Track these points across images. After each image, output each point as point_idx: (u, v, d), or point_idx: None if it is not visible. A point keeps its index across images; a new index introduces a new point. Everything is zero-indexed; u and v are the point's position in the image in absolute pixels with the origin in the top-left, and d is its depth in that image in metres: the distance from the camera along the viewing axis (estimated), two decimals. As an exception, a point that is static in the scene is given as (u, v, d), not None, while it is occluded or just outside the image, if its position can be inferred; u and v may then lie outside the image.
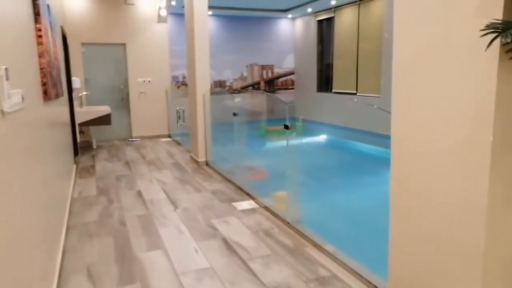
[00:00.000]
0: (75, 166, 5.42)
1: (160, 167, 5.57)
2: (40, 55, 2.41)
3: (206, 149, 5.63)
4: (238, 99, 4.35)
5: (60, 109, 3.92)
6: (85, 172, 5.32)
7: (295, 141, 9.29)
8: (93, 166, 5.67)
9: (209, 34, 5.61)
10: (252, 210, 3.71)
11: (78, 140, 6.52)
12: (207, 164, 5.61)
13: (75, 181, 4.81)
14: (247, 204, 3.88)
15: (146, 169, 5.45)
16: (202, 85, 5.45)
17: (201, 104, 5.49)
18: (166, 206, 3.85)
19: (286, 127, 3.43)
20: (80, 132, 7.10)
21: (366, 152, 7.67)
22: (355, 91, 8.46)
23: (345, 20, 8.64)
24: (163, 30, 8.02)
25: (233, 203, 3.91)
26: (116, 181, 4.81)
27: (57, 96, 3.24)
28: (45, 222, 2.30)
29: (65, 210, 3.53)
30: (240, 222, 3.42)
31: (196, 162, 5.67)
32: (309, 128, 9.72)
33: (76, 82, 6.99)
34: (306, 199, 4.10)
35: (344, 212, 4.06)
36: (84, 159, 6.16)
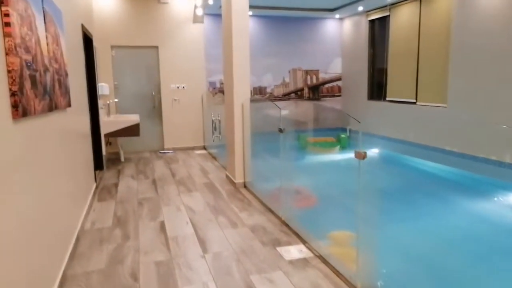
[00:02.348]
0: (95, 184, 4.73)
1: (191, 188, 4.77)
2: (8, 52, 1.64)
3: (244, 168, 4.78)
4: (285, 111, 3.48)
5: (68, 121, 3.20)
6: (105, 192, 4.62)
7: (341, 155, 8.08)
8: (116, 185, 4.97)
9: (249, 35, 4.79)
10: (304, 262, 2.80)
11: (104, 153, 5.88)
12: (245, 186, 4.76)
13: (90, 205, 4.09)
14: (296, 251, 2.97)
15: (175, 190, 4.67)
16: (241, 93, 4.62)
17: (239, 115, 4.66)
18: (193, 248, 3.02)
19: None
20: (107, 143, 6.48)
21: (428, 171, 6.54)
22: (414, 100, 7.34)
23: (403, 18, 7.55)
24: (199, 32, 7.30)
25: (279, 248, 3.01)
26: (138, 207, 4.05)
27: (55, 107, 2.49)
28: (30, 273, 1.52)
29: (66, 251, 2.78)
30: (289, 281, 2.51)
31: (233, 183, 4.83)
32: (358, 140, 8.69)
33: (105, 88, 6.38)
34: (370, 240, 3.15)
35: (428, 265, 3.05)
36: (109, 175, 5.49)
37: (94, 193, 4.52)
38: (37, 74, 2.04)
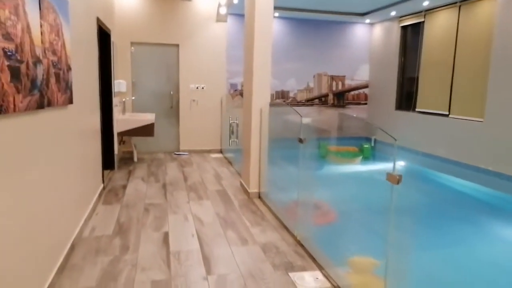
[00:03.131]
0: (102, 186, 4.50)
1: (202, 195, 4.48)
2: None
3: (259, 177, 4.45)
4: (307, 119, 3.14)
5: (69, 119, 2.95)
6: (112, 195, 4.38)
7: (364, 166, 7.55)
8: (124, 187, 4.73)
9: (273, 37, 4.47)
10: (320, 293, 2.45)
11: (116, 152, 5.67)
12: (259, 197, 4.43)
13: (94, 208, 3.85)
14: (311, 278, 2.62)
15: (185, 197, 4.39)
16: (260, 97, 4.31)
17: (257, 120, 4.34)
18: (196, 268, 2.71)
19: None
20: (120, 142, 6.28)
21: (460, 189, 6.04)
22: (446, 112, 6.85)
23: (439, 25, 7.08)
24: (221, 31, 7.03)
25: (291, 274, 2.66)
26: (143, 214, 3.78)
27: (49, 104, 2.23)
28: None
29: (56, 262, 2.51)
30: (301, 317, 2.17)
31: (246, 192, 4.51)
32: (383, 150, 8.23)
33: (122, 85, 6.19)
34: (399, 269, 2.77)
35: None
36: (119, 176, 5.26)
37: (100, 194, 4.28)
38: (22, 66, 1.78)
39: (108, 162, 5.49)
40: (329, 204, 4.32)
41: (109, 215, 3.71)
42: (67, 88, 2.70)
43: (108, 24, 5.14)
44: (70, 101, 2.80)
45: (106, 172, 5.32)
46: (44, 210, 2.28)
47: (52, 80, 2.29)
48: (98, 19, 4.30)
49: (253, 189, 4.44)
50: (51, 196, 2.44)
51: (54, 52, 2.33)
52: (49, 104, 2.23)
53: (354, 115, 9.23)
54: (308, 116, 3.17)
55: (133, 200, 4.19)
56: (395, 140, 2.01)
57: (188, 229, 3.41)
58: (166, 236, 3.25)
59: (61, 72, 2.51)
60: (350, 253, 2.98)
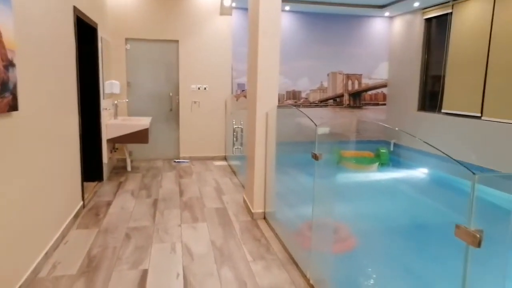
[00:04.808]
0: (82, 203, 3.86)
1: (197, 215, 3.81)
2: None
3: (265, 193, 3.76)
4: (324, 129, 2.43)
5: (12, 130, 2.31)
6: (91, 215, 3.73)
7: (382, 174, 6.65)
8: (109, 204, 4.09)
9: (282, 33, 3.79)
10: None
11: (105, 161, 5.05)
12: (264, 217, 3.74)
13: (64, 235, 3.21)
14: None
15: (177, 218, 3.72)
16: (266, 100, 3.62)
17: (262, 127, 3.65)
18: (175, 329, 2.03)
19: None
20: (112, 149, 5.66)
21: (496, 203, 5.24)
22: (479, 114, 6.05)
23: (469, 17, 6.28)
24: (226, 26, 6.36)
25: None
26: (123, 242, 3.12)
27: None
28: None
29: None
30: None
31: (250, 212, 3.83)
32: (403, 155, 7.46)
33: (115, 86, 5.56)
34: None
35: None
36: (106, 190, 4.63)
37: (77, 215, 3.65)
38: None
39: (94, 173, 4.87)
40: (346, 226, 3.60)
41: (80, 244, 3.07)
42: (5, 90, 2.05)
43: (94, 16, 4.51)
44: (13, 107, 2.15)
45: (91, 184, 4.70)
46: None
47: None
48: (75, 9, 3.66)
49: (257, 208, 3.76)
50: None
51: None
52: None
53: (372, 121, 8.46)
54: (324, 122, 2.46)
55: (114, 223, 3.54)
56: (446, 154, 1.30)
57: (173, 266, 2.74)
58: (144, 276, 2.59)
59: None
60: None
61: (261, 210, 3.75)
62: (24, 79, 2.38)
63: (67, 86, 3.39)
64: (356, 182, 6.19)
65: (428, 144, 2.13)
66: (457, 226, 1.22)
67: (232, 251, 3.00)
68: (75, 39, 3.67)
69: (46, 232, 2.83)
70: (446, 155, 1.73)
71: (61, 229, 3.16)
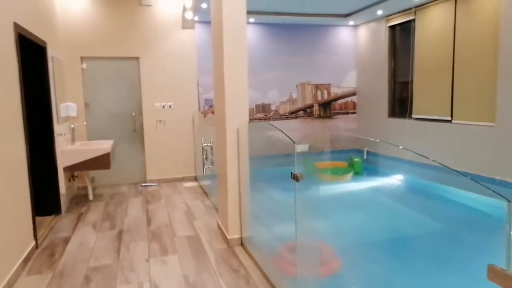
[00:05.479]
0: (34, 243, 3.41)
1: (167, 247, 3.44)
2: None
3: (240, 217, 3.46)
4: (303, 146, 2.17)
5: None
6: (45, 257, 3.29)
7: (357, 183, 6.52)
8: (66, 241, 3.65)
9: (248, 45, 3.56)
10: None
11: (63, 192, 4.59)
12: (242, 244, 3.43)
13: (9, 286, 2.76)
14: None
15: (144, 251, 3.34)
16: (236, 116, 3.34)
17: (233, 145, 3.37)
18: None
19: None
20: (71, 178, 5.20)
21: (474, 206, 5.16)
22: (449, 117, 6.02)
23: (432, 22, 6.30)
24: (189, 40, 6.07)
25: None
26: (81, 287, 2.72)
27: None
28: None
29: None
30: None
31: (225, 238, 3.50)
32: (376, 163, 7.36)
33: (71, 108, 5.14)
34: None
35: None
36: (64, 223, 4.18)
37: (28, 258, 3.20)
38: None
39: (51, 205, 4.41)
40: (328, 246, 3.34)
41: (31, 294, 2.64)
42: None
43: (41, 34, 4.11)
44: None
45: (47, 219, 4.24)
46: None
47: None
48: (16, 25, 3.27)
49: (233, 234, 3.44)
50: None
51: None
52: None
53: (349, 134, 8.36)
54: (302, 143, 2.20)
55: (72, 264, 3.12)
56: (428, 158, 1.06)
57: (140, 312, 2.38)
58: (106, 329, 2.21)
59: None
60: None
61: (237, 236, 3.44)
62: None
63: (7, 111, 2.99)
64: (331, 196, 5.98)
65: (419, 154, 1.91)
66: (490, 268, 0.97)
67: (208, 287, 2.66)
68: (18, 59, 3.27)
69: (-14, 285, 2.41)
70: (445, 166, 1.50)
71: (6, 279, 2.72)
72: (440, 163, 1.63)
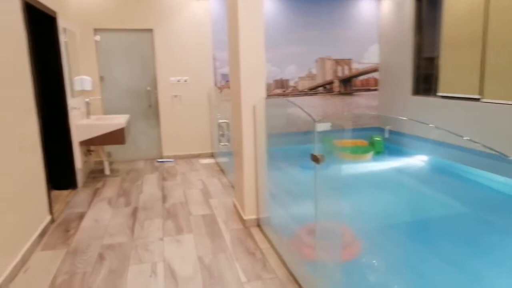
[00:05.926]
0: (49, 218, 3.38)
1: (182, 226, 3.37)
2: None
3: (257, 197, 3.34)
4: (325, 125, 2.01)
5: None
6: (60, 232, 3.26)
7: (378, 163, 6.32)
8: (81, 216, 3.61)
9: (266, 19, 3.35)
10: None
11: (80, 166, 4.55)
12: (258, 225, 3.33)
13: (23, 261, 2.74)
14: None
15: (159, 230, 3.28)
16: (253, 91, 3.17)
17: (249, 121, 3.21)
18: None
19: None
20: (87, 152, 5.15)
21: (503, 191, 4.92)
22: (477, 96, 5.70)
23: (464, -8, 5.88)
24: (204, 11, 5.85)
25: None
26: (94, 266, 2.67)
27: None
28: None
29: None
30: None
31: (241, 219, 3.40)
32: (398, 142, 7.11)
33: (86, 82, 5.04)
34: None
35: None
36: (80, 198, 4.14)
37: (43, 233, 3.17)
38: None
39: (67, 180, 4.39)
40: (348, 228, 3.21)
41: (42, 272, 2.60)
42: None
43: (51, 4, 3.97)
44: None
45: (63, 193, 4.22)
46: None
47: None
48: (25, -5, 3.13)
49: (249, 215, 3.33)
50: None
51: None
52: None
53: (369, 112, 8.07)
54: (325, 121, 2.03)
55: (86, 240, 3.08)
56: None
57: (153, 294, 2.31)
58: (118, 311, 2.15)
59: None
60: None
61: (254, 217, 3.33)
62: None
63: (17, 83, 2.89)
64: (351, 176, 5.81)
65: (452, 133, 1.72)
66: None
67: (223, 271, 2.57)
68: (25, 28, 3.14)
69: (0, 259, 2.37)
70: (499, 152, 1.33)
71: (22, 253, 2.69)
72: (485, 145, 1.45)
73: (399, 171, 6.28)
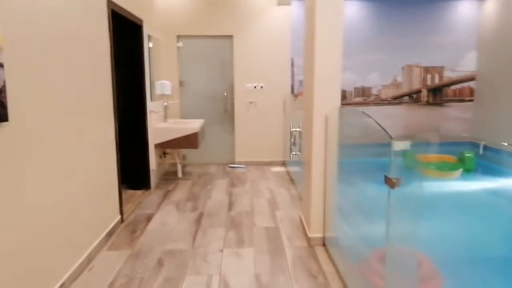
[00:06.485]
0: (119, 217, 3.50)
1: (244, 238, 3.25)
2: None
3: (324, 213, 3.09)
4: (403, 144, 1.73)
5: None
6: (127, 233, 3.35)
7: (468, 182, 5.54)
8: (149, 218, 3.69)
9: (347, 24, 3.10)
10: None
11: (153, 168, 4.71)
12: (323, 244, 3.08)
13: (90, 259, 2.83)
14: None
15: (220, 240, 3.20)
16: (325, 100, 2.95)
17: (320, 132, 2.99)
18: None
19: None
20: (163, 154, 5.33)
21: None
22: None
23: None
24: (284, 17, 5.73)
25: None
26: (152, 271, 2.66)
27: None
28: None
29: None
30: None
31: (306, 236, 3.18)
32: (493, 159, 6.27)
33: (166, 87, 5.22)
34: None
35: None
36: (151, 200, 4.26)
37: (111, 232, 3.28)
38: None
39: (141, 180, 4.55)
40: (427, 258, 2.80)
41: (104, 272, 2.66)
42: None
43: (137, 12, 4.15)
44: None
45: (137, 194, 4.38)
46: None
47: None
48: (110, 2, 3.28)
49: (314, 232, 3.10)
50: None
51: None
52: None
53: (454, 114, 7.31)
54: (404, 139, 1.75)
55: (149, 244, 3.11)
56: None
57: (205, 310, 2.21)
58: (167, 324, 2.08)
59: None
60: None
61: (319, 235, 3.09)
62: (19, 81, 1.99)
63: (96, 88, 3.02)
64: (435, 195, 5.22)
65: None
66: None
67: (280, 292, 2.39)
68: (109, 36, 3.29)
69: (69, 256, 2.46)
70: None
71: (89, 251, 2.79)
72: None
73: (494, 193, 5.52)
